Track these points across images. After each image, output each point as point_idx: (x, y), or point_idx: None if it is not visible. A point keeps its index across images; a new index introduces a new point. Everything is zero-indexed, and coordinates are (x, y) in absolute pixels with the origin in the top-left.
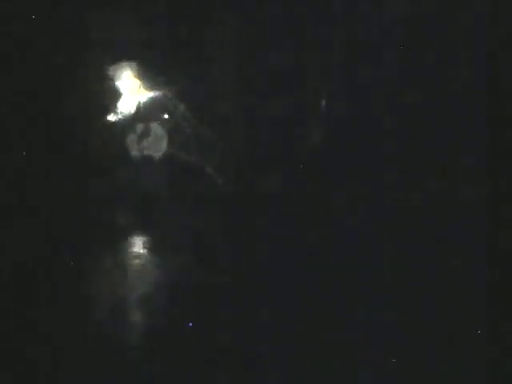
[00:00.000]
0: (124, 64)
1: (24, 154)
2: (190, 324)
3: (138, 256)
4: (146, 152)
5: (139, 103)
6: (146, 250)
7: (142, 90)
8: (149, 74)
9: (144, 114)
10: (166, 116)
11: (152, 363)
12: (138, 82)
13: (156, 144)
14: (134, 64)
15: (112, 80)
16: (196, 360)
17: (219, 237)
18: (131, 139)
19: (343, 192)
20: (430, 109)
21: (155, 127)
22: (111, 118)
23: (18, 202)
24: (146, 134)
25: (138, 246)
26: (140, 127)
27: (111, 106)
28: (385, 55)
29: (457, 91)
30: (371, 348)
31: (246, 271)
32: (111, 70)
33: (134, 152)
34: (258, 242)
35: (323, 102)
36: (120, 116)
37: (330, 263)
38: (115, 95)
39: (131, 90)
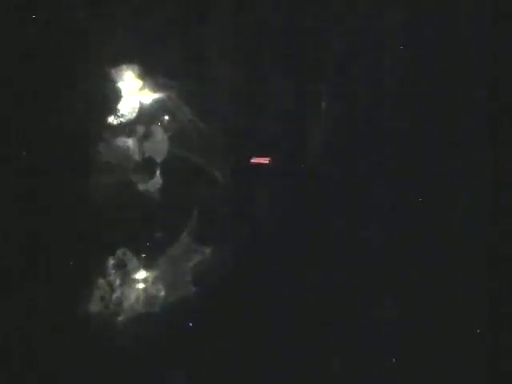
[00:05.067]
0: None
1: (24, 153)
2: (190, 324)
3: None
4: (147, 154)
5: (142, 104)
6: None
7: (146, 91)
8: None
9: (147, 115)
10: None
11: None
12: (140, 83)
13: (158, 145)
14: (136, 65)
15: (115, 81)
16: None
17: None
18: (133, 140)
19: (342, 190)
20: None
21: (157, 129)
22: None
23: (18, 202)
24: (148, 135)
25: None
26: (142, 129)
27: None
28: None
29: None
30: (371, 348)
31: (245, 271)
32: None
33: (136, 153)
34: (258, 241)
35: (323, 103)
36: (122, 117)
37: (330, 261)
38: (118, 96)
39: (134, 91)
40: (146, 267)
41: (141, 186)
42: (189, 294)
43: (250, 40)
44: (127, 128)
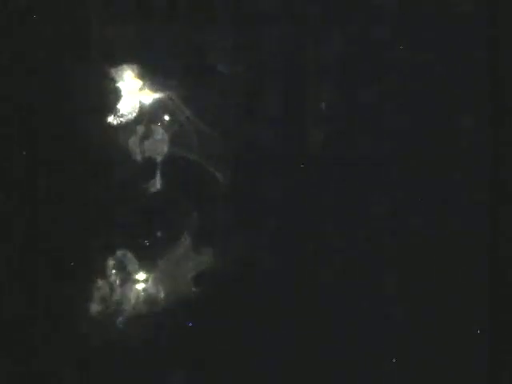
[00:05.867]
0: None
1: (24, 153)
2: (190, 323)
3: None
4: (147, 153)
5: (142, 104)
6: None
7: (146, 91)
8: (152, 76)
9: (147, 115)
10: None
11: None
12: (140, 83)
13: (158, 145)
14: (136, 65)
15: (115, 81)
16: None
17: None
18: (133, 141)
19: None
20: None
21: (157, 129)
22: (113, 119)
23: (17, 202)
24: (148, 135)
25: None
26: (142, 129)
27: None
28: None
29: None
30: (371, 348)
31: (245, 271)
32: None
33: (136, 153)
34: (258, 241)
35: (323, 103)
36: (122, 117)
37: (330, 260)
38: (118, 96)
39: (134, 92)
40: (146, 268)
41: (141, 186)
42: (189, 295)
43: (251, 40)
44: (127, 128)
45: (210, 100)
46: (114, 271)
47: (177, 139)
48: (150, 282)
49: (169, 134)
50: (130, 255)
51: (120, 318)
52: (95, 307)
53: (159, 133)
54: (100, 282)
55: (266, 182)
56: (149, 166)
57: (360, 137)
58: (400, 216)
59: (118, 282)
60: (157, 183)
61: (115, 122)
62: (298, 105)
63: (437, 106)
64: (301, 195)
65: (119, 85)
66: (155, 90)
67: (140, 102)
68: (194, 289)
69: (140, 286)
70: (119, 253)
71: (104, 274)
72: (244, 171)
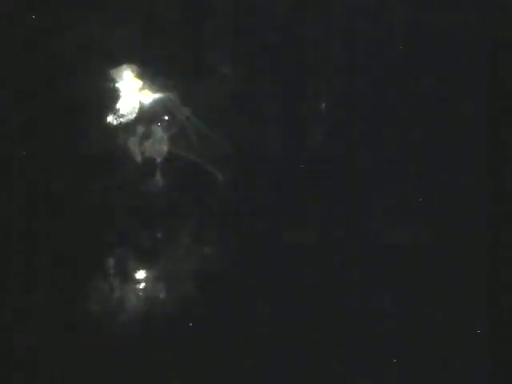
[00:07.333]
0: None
1: (24, 153)
2: (190, 324)
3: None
4: (147, 153)
5: (142, 104)
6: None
7: (146, 91)
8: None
9: (147, 115)
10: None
11: None
12: (140, 83)
13: (158, 145)
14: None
15: (114, 81)
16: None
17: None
18: (133, 141)
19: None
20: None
21: (157, 129)
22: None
23: (18, 202)
24: (148, 135)
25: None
26: (142, 129)
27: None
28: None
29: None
30: (371, 348)
31: (245, 271)
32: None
33: (136, 153)
34: (259, 241)
35: (323, 104)
36: (122, 117)
37: (330, 260)
38: (118, 96)
39: (134, 92)
40: (146, 267)
41: (141, 186)
42: (189, 294)
43: (251, 40)
44: (127, 128)
45: (210, 100)
46: (113, 270)
47: (177, 139)
48: (149, 281)
49: (169, 134)
50: (130, 255)
51: (120, 318)
52: (95, 307)
53: (159, 133)
54: (100, 282)
55: (266, 182)
56: (149, 166)
57: (359, 138)
58: (400, 216)
59: (117, 281)
60: (157, 183)
61: (115, 122)
62: (298, 105)
63: (437, 106)
64: (300, 195)
65: (119, 85)
66: (155, 91)
67: (140, 102)
68: (193, 289)
69: (140, 286)
70: (119, 252)
71: (104, 274)
72: (244, 171)
